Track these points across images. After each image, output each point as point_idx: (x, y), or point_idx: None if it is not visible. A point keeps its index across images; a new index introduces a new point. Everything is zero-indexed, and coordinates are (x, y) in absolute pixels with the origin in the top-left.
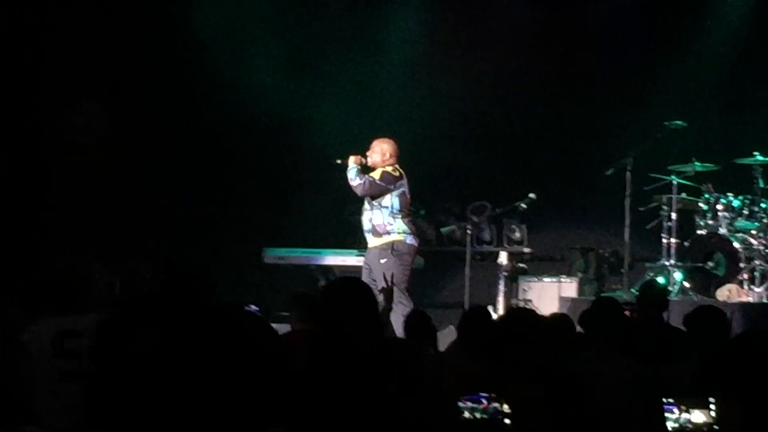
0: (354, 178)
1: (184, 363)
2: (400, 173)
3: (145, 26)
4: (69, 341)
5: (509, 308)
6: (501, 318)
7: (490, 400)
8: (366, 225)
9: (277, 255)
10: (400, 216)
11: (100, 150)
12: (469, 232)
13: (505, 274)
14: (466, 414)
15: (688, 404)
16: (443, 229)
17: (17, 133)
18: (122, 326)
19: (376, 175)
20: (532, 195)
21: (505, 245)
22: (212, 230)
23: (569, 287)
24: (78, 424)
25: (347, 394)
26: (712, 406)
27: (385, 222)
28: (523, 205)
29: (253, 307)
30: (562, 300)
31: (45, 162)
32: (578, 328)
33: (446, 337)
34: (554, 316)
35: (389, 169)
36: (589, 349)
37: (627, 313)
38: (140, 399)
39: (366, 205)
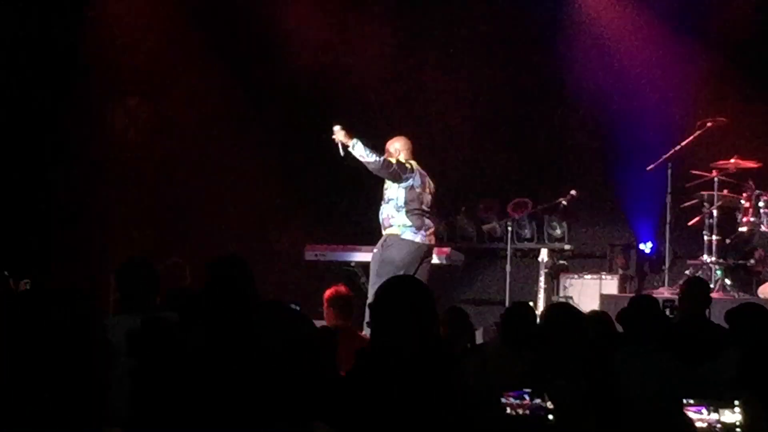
0: (369, 155)
1: (231, 361)
2: (412, 167)
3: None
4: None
5: (550, 305)
6: (542, 313)
7: (533, 396)
8: (380, 219)
9: (316, 252)
10: (404, 210)
11: (142, 146)
12: (509, 229)
13: (546, 271)
14: (509, 410)
15: (717, 404)
16: (484, 227)
17: (64, 131)
18: (170, 325)
19: (392, 159)
20: (573, 192)
21: (546, 242)
22: (253, 227)
23: (610, 284)
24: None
25: (392, 395)
26: (737, 407)
27: (389, 215)
28: (564, 202)
29: (294, 306)
30: (603, 297)
31: (92, 160)
32: (618, 327)
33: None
34: (594, 313)
35: (403, 160)
36: (627, 346)
37: (668, 310)
38: (188, 397)
39: (383, 199)
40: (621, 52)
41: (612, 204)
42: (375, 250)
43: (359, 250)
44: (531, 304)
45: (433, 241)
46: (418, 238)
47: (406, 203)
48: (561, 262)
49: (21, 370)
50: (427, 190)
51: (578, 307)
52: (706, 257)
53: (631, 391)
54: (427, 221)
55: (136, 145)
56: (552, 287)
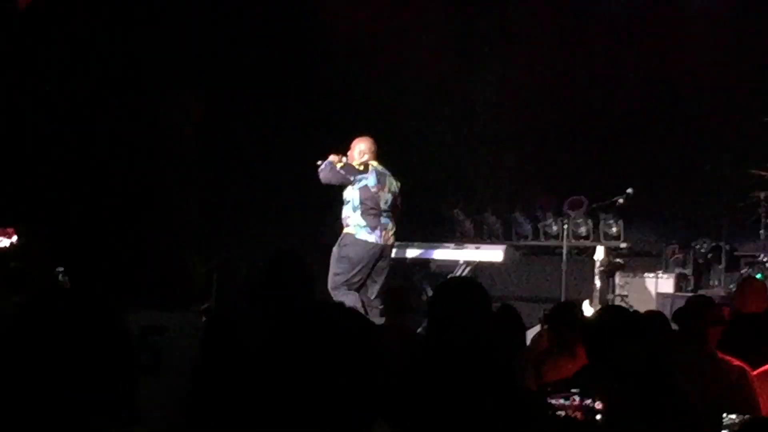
0: (320, 164)
1: (292, 361)
2: (366, 168)
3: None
4: (152, 336)
5: (603, 305)
6: (594, 315)
7: (582, 396)
8: (341, 219)
9: None
10: (359, 210)
11: (197, 140)
12: (565, 226)
13: (602, 269)
14: (558, 411)
15: None
16: (540, 224)
17: (117, 124)
18: (230, 322)
19: (338, 164)
20: (629, 190)
21: (602, 240)
22: (308, 223)
23: (666, 283)
24: (153, 420)
25: (446, 393)
26: None
27: (346, 215)
28: (621, 200)
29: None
30: (659, 296)
31: (144, 153)
32: (674, 326)
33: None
34: (648, 313)
35: (354, 163)
36: (684, 346)
37: (725, 309)
38: (248, 393)
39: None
40: (680, 48)
41: (669, 202)
42: (334, 248)
43: (414, 247)
44: (586, 302)
45: (390, 241)
46: (372, 238)
47: (361, 203)
48: (617, 260)
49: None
50: (386, 189)
51: (633, 306)
52: (763, 256)
53: (686, 391)
54: (384, 220)
55: (191, 140)
56: (607, 285)
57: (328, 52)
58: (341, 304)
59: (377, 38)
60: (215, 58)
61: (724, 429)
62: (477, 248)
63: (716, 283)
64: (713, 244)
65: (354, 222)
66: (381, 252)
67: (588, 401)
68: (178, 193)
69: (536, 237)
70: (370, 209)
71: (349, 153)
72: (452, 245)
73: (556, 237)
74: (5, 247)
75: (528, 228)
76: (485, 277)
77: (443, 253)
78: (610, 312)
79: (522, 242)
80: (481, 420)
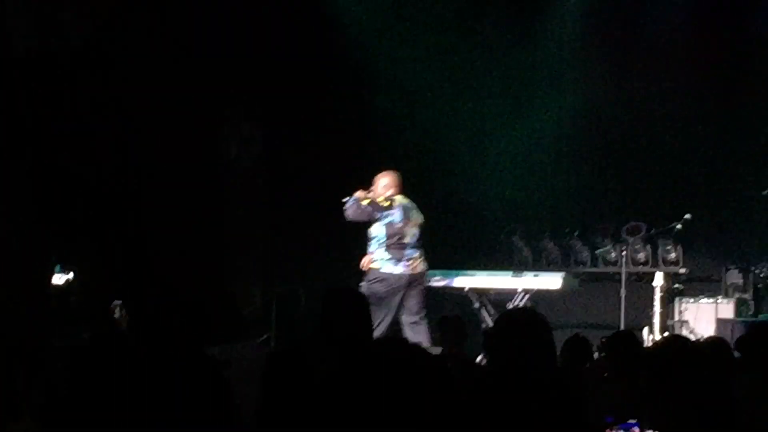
0: (346, 201)
1: (356, 395)
2: (391, 203)
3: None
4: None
5: (663, 336)
6: (655, 343)
7: (642, 428)
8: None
9: (431, 277)
10: (384, 245)
11: (257, 172)
12: (624, 253)
13: (661, 295)
14: None
15: None
16: (598, 251)
17: (177, 157)
18: (296, 355)
19: (364, 201)
20: (687, 216)
21: (661, 266)
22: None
23: (726, 308)
24: None
25: (515, 425)
26: None
27: (371, 251)
28: (679, 226)
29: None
30: (719, 321)
31: (205, 185)
32: (736, 353)
33: None
34: (710, 340)
35: (380, 199)
36: (747, 374)
37: None
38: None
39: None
40: (738, 69)
41: (727, 227)
42: (361, 284)
43: (472, 275)
44: (645, 329)
45: (417, 269)
46: (398, 270)
47: (387, 238)
48: (676, 285)
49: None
50: (411, 223)
51: (695, 332)
52: None
53: (752, 420)
54: (409, 251)
55: (248, 171)
56: (667, 311)
57: (378, 84)
58: (403, 339)
59: (433, 69)
60: (273, 91)
61: None
62: (535, 276)
63: None
64: None
65: (378, 257)
66: (409, 281)
67: None
68: (238, 224)
69: (594, 263)
70: (395, 244)
71: (373, 188)
72: (510, 273)
73: (615, 263)
74: (63, 284)
75: (586, 255)
76: (543, 304)
77: (501, 281)
78: (671, 341)
79: (581, 269)
80: None
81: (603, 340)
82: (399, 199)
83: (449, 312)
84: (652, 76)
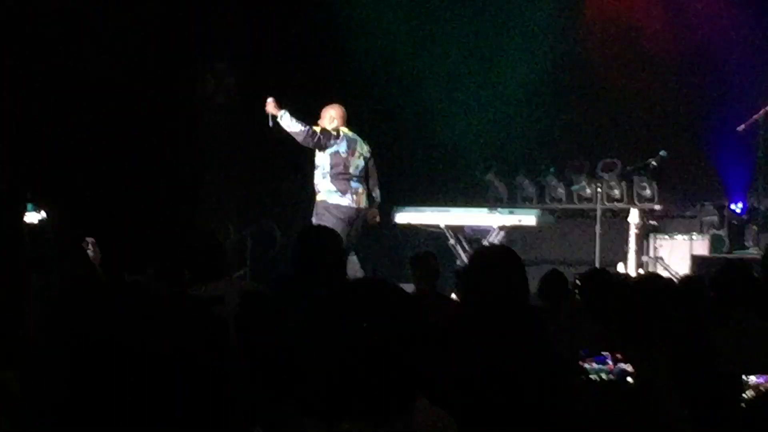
0: (295, 124)
1: (329, 340)
2: (338, 134)
3: None
4: (217, 308)
5: (638, 274)
6: (632, 281)
7: (615, 360)
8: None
9: (406, 213)
10: (329, 175)
11: (230, 111)
12: (599, 189)
13: (636, 231)
14: (592, 375)
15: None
16: (573, 187)
17: (152, 95)
18: (267, 297)
19: (317, 128)
20: (663, 152)
21: (636, 203)
22: None
23: (701, 245)
24: None
25: (489, 360)
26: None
27: (317, 182)
28: (654, 163)
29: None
30: (694, 258)
31: (179, 123)
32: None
33: None
34: (685, 279)
35: (329, 128)
36: (721, 312)
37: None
38: (286, 372)
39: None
40: (709, 9)
41: (702, 164)
42: (312, 219)
43: (447, 212)
44: (620, 264)
45: (362, 204)
46: (344, 202)
47: (331, 168)
48: (651, 222)
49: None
50: (357, 155)
51: (669, 268)
52: None
53: (724, 356)
54: (354, 184)
55: (223, 108)
56: (642, 248)
57: (353, 28)
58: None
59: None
60: (248, 32)
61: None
62: (511, 212)
63: (751, 244)
64: (748, 205)
65: (324, 188)
66: (356, 215)
67: (621, 365)
68: (211, 162)
69: (570, 200)
70: (339, 174)
71: (320, 120)
72: (486, 209)
73: (590, 200)
74: (34, 223)
75: (561, 191)
76: (519, 241)
77: (477, 218)
78: (646, 279)
79: (556, 206)
80: (517, 385)
81: (577, 276)
82: (344, 130)
83: (421, 248)
84: (606, 18)
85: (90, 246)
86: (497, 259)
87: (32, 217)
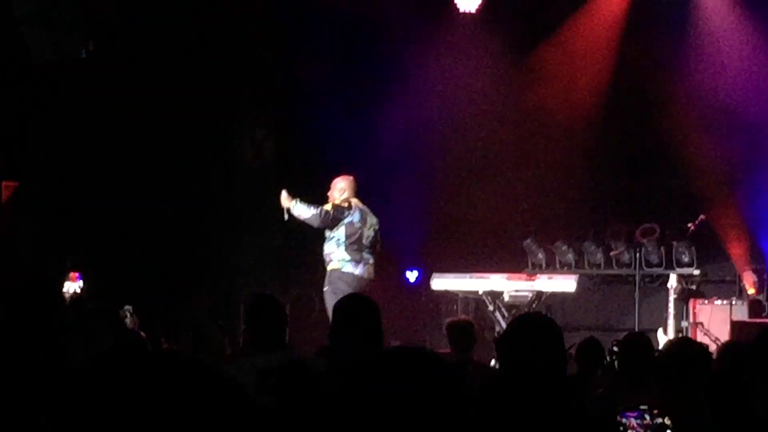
0: (307, 210)
1: (371, 407)
2: (350, 205)
3: None
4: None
5: (674, 339)
6: (665, 347)
7: (653, 416)
8: (324, 255)
9: (444, 279)
10: (344, 245)
11: (270, 175)
12: (638, 255)
13: (675, 296)
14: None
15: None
16: (612, 253)
17: (191, 159)
18: (307, 367)
19: (328, 207)
20: (702, 216)
21: (675, 268)
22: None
23: (741, 310)
24: None
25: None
26: None
27: (330, 251)
28: (693, 227)
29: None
30: (734, 324)
31: (218, 189)
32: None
33: None
34: (723, 344)
35: (338, 202)
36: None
37: None
38: None
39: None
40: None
41: (741, 229)
42: (325, 288)
43: (487, 278)
44: (660, 330)
45: (372, 275)
46: (357, 271)
47: (346, 238)
48: (690, 287)
49: None
50: (368, 225)
51: (709, 333)
52: None
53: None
54: (366, 255)
55: (261, 174)
56: (681, 313)
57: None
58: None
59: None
60: (285, 98)
61: None
62: (549, 278)
63: None
64: None
65: (338, 257)
66: (366, 286)
67: (659, 420)
68: (249, 227)
69: (609, 265)
70: (354, 244)
71: (329, 193)
72: (524, 275)
73: (629, 265)
74: (76, 292)
75: (600, 257)
76: (558, 307)
77: (516, 284)
78: (680, 344)
79: (594, 271)
80: None
81: (614, 342)
82: (355, 202)
83: (458, 315)
84: (648, 80)
85: (128, 314)
86: (535, 326)
87: (71, 286)
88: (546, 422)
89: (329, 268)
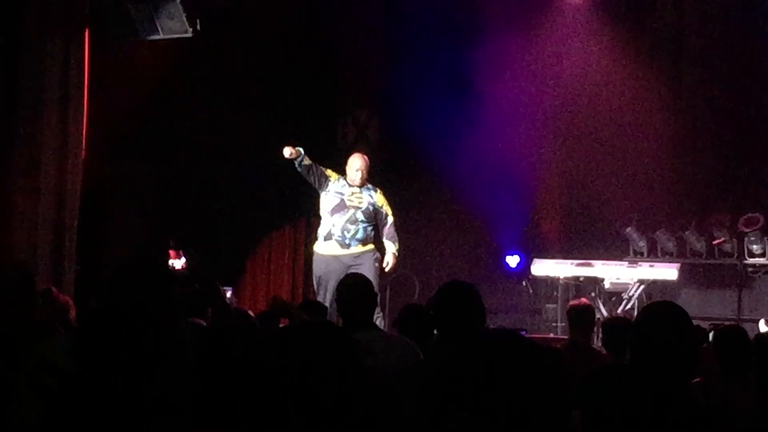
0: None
1: (467, 390)
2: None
3: None
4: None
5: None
6: (760, 340)
7: None
8: (360, 234)
9: (545, 265)
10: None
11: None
12: (740, 245)
13: None
14: None
15: None
16: (715, 242)
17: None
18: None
19: (391, 217)
20: None
21: None
22: (480, 244)
23: None
24: None
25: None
26: None
27: (370, 234)
28: None
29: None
30: None
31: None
32: None
33: None
34: None
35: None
36: None
37: None
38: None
39: (360, 216)
40: None
41: None
42: (375, 265)
43: (590, 265)
44: (762, 321)
45: None
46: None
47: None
48: None
49: None
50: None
51: None
52: None
53: None
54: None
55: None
56: None
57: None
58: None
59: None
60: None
61: None
62: (651, 266)
63: None
64: None
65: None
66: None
67: None
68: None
69: (711, 255)
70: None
71: (363, 170)
72: (626, 263)
73: (731, 255)
74: (181, 268)
75: (702, 246)
76: (658, 295)
77: (617, 272)
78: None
79: (696, 260)
80: None
81: (711, 327)
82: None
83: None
84: (751, 66)
85: (228, 293)
86: (671, 315)
87: (176, 263)
88: (667, 410)
89: (371, 249)
